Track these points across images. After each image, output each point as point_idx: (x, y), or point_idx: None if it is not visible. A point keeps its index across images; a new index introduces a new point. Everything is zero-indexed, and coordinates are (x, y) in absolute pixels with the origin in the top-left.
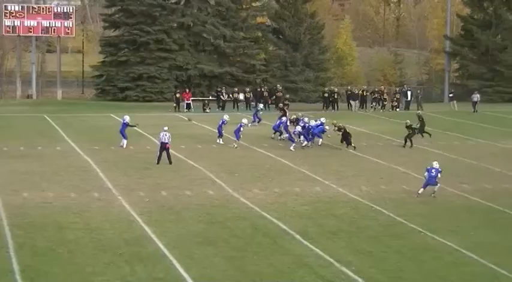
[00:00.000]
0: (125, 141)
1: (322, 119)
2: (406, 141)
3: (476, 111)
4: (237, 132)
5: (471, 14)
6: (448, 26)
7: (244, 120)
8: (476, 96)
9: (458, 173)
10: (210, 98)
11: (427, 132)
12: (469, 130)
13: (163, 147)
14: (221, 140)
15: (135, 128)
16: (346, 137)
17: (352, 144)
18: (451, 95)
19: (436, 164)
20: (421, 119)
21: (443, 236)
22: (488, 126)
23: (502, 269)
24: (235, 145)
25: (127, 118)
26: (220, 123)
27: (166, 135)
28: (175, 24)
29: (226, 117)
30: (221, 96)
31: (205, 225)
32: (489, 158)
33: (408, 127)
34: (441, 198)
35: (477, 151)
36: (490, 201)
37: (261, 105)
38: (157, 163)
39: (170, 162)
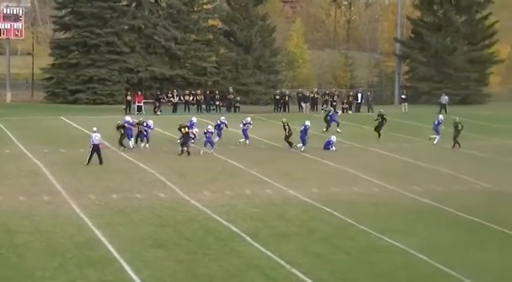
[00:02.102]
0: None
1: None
2: None
3: (447, 112)
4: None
5: (421, 17)
6: (399, 28)
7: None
8: (444, 98)
9: (408, 175)
10: (161, 100)
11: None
12: (419, 132)
13: (95, 148)
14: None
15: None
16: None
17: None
18: (403, 96)
19: None
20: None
21: (393, 237)
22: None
23: (450, 269)
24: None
25: (194, 119)
26: (242, 126)
27: (97, 136)
28: (127, 27)
29: (248, 119)
30: (171, 99)
31: (155, 228)
32: (439, 160)
33: None
34: (391, 200)
35: (428, 153)
36: (440, 202)
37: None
38: (87, 164)
39: (101, 163)
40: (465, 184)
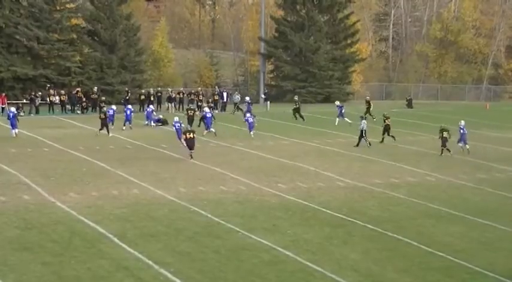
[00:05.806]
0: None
1: None
2: None
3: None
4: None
5: (285, 16)
6: (263, 28)
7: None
8: (236, 97)
9: (273, 173)
10: (24, 101)
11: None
12: (283, 130)
13: None
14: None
15: None
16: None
17: None
18: (263, 96)
19: None
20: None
21: (260, 235)
22: (302, 126)
23: (316, 265)
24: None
25: (114, 107)
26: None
27: None
28: None
29: (114, 107)
30: (36, 100)
31: (21, 230)
32: (303, 157)
33: None
34: (257, 198)
35: (292, 150)
36: (305, 199)
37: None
38: None
39: None
40: (328, 180)
